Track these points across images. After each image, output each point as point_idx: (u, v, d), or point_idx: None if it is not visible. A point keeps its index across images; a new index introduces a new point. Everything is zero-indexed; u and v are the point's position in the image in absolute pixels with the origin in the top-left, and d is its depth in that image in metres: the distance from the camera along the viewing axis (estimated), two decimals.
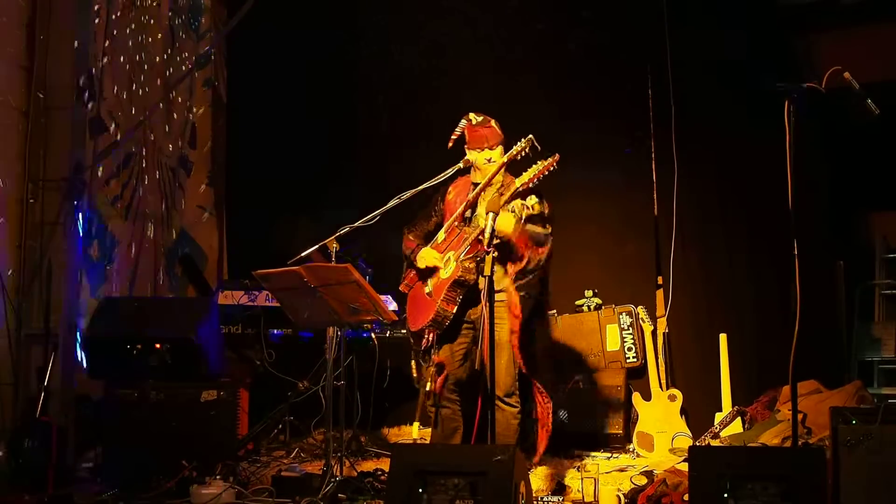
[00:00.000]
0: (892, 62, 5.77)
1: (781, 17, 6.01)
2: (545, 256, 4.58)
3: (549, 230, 4.55)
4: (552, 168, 4.30)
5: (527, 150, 4.40)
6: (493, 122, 4.67)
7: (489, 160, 4.60)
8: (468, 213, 4.65)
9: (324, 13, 6.93)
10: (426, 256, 4.68)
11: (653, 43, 6.12)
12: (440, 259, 4.62)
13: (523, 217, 4.41)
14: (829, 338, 5.78)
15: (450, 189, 4.79)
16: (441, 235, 4.72)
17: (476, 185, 4.70)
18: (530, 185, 4.35)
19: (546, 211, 4.50)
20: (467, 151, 4.69)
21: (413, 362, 4.93)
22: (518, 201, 4.41)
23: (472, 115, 4.69)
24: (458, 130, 4.71)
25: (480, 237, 4.37)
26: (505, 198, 4.32)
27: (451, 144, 4.72)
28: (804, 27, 6.04)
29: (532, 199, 4.44)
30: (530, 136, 4.41)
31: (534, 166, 4.33)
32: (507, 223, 4.34)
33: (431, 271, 4.66)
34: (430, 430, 4.92)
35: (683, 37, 6.10)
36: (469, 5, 6.67)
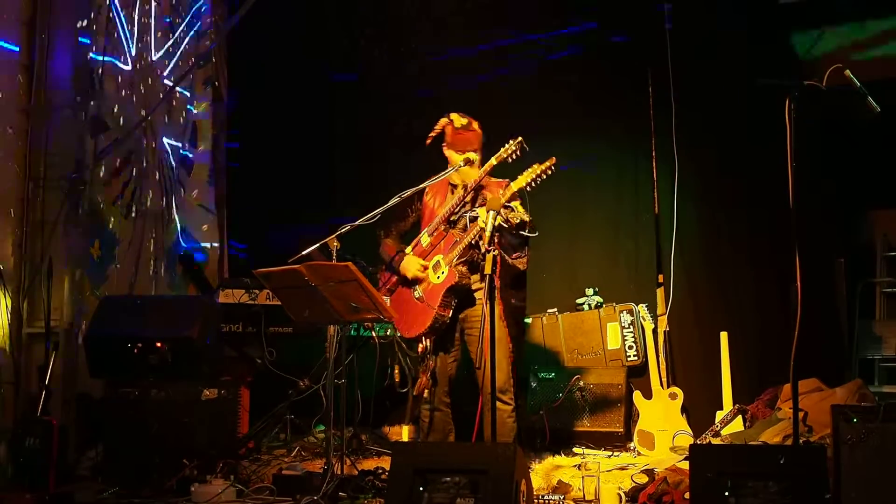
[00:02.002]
0: (892, 59, 5.77)
1: (782, 16, 6.00)
2: (522, 267, 4.57)
3: (530, 236, 4.49)
4: (550, 171, 4.27)
5: (517, 152, 4.39)
6: (475, 125, 4.69)
7: (469, 161, 4.61)
8: (454, 217, 4.63)
9: (325, 12, 6.93)
10: (410, 267, 4.66)
11: (653, 43, 6.11)
12: (428, 265, 4.62)
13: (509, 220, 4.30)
14: (830, 336, 5.78)
15: (426, 189, 4.78)
16: (425, 239, 4.70)
17: (454, 186, 4.70)
18: (528, 188, 4.30)
19: (528, 218, 4.38)
20: (445, 150, 4.70)
21: (397, 367, 4.93)
22: (516, 204, 4.35)
23: (454, 116, 4.69)
24: (437, 128, 4.72)
25: (475, 240, 4.36)
26: (506, 197, 4.28)
27: (428, 142, 4.73)
28: (804, 25, 6.03)
29: (517, 205, 4.36)
30: (519, 137, 4.41)
31: (531, 168, 4.30)
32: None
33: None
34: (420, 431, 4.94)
35: (684, 36, 6.10)
36: (469, 5, 6.67)
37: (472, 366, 4.54)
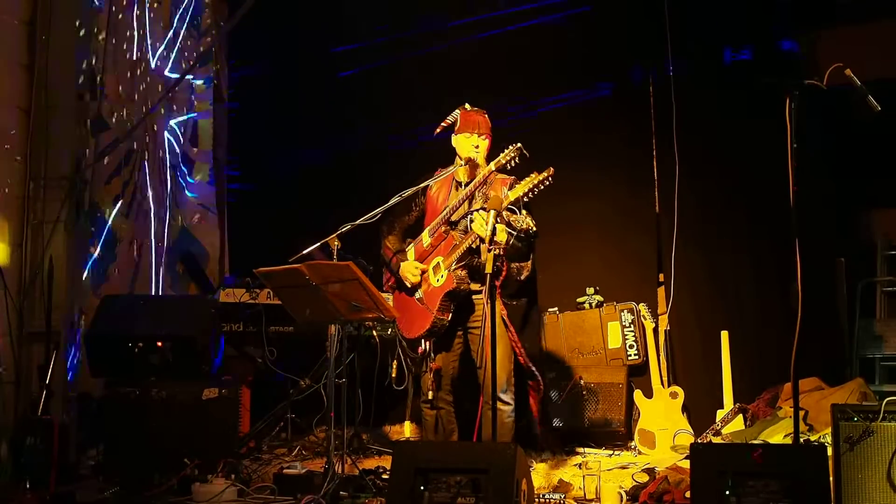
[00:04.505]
0: (893, 59, 5.76)
1: (782, 14, 6.01)
2: (524, 275, 4.55)
3: (532, 247, 4.48)
4: (548, 182, 4.17)
5: (515, 158, 4.36)
6: (485, 115, 4.68)
7: (476, 147, 4.60)
8: (455, 217, 4.61)
9: (325, 12, 6.94)
10: (408, 274, 4.67)
11: (653, 41, 6.11)
12: (426, 268, 4.62)
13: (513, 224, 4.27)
14: (831, 335, 5.78)
15: (431, 184, 4.76)
16: (426, 239, 4.69)
17: (459, 182, 4.69)
18: (525, 199, 4.18)
19: (533, 229, 4.31)
20: (454, 139, 4.69)
21: (395, 363, 4.94)
22: (524, 213, 4.28)
23: (467, 105, 4.71)
24: (449, 119, 4.71)
25: (475, 244, 4.34)
26: (506, 204, 4.17)
27: (438, 130, 4.72)
28: (805, 24, 6.03)
29: (525, 214, 4.29)
30: (518, 144, 4.39)
31: (528, 178, 4.20)
32: (500, 233, 4.19)
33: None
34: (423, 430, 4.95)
35: (684, 34, 6.10)
36: (468, 3, 6.67)
37: (474, 364, 4.55)
